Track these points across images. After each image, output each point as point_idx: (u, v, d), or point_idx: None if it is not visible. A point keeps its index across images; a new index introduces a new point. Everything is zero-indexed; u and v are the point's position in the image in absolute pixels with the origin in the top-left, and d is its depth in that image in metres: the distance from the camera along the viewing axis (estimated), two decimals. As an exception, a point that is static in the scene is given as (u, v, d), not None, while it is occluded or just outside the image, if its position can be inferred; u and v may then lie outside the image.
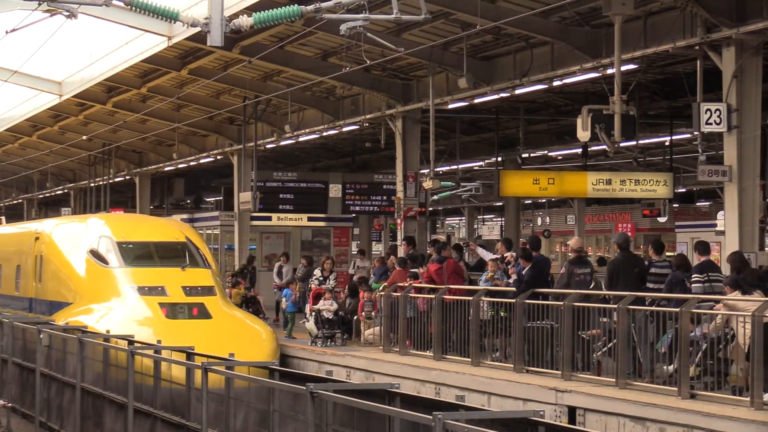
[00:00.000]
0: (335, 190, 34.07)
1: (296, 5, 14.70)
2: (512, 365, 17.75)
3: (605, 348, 16.67)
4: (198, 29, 14.70)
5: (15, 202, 65.92)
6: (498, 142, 32.19)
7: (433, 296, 19.96)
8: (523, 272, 18.27)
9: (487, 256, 21.87)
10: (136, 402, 13.66)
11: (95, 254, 24.26)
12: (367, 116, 29.82)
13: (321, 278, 25.31)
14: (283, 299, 26.71)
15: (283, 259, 30.21)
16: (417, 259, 22.23)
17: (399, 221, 28.54)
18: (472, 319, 18.71)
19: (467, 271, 21.89)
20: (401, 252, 24.10)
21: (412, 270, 21.82)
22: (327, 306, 23.10)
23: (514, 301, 17.91)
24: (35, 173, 56.34)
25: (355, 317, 23.33)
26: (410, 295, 20.78)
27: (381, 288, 22.38)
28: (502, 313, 18.44)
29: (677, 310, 15.03)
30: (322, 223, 37.59)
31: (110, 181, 46.92)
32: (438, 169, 31.77)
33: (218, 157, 39.72)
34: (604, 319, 16.73)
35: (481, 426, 7.52)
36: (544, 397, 15.84)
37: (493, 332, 18.65)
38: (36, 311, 26.24)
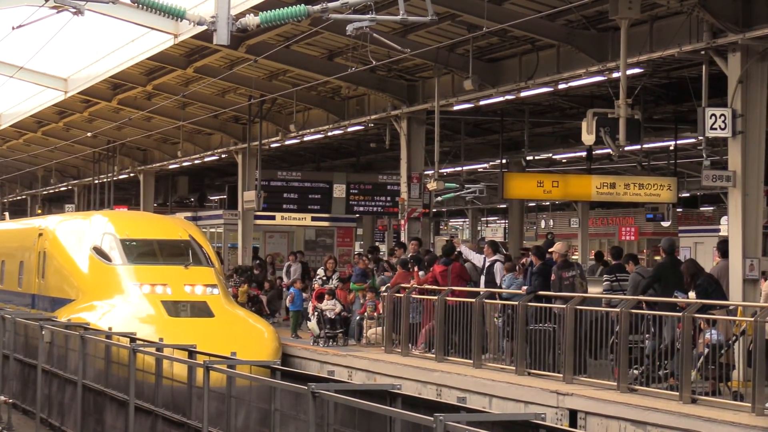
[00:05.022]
0: (339, 190, 34.06)
1: (303, 5, 14.69)
2: (514, 367, 17.75)
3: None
4: (204, 28, 14.69)
5: (19, 198, 65.94)
6: (503, 145, 32.16)
7: (435, 298, 19.97)
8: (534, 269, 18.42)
9: (471, 255, 21.83)
10: (137, 399, 13.67)
11: (98, 251, 24.28)
12: (372, 117, 29.80)
13: (324, 278, 25.32)
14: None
15: (291, 258, 30.28)
16: (421, 260, 22.23)
17: (402, 222, 28.54)
18: (476, 321, 18.73)
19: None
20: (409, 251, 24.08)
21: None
22: (330, 306, 23.13)
23: (516, 303, 17.94)
24: (39, 169, 56.36)
25: (358, 317, 23.34)
26: (413, 295, 20.81)
27: (379, 289, 22.40)
28: (495, 319, 18.54)
29: (680, 314, 15.07)
30: (325, 223, 37.60)
31: (114, 178, 46.93)
32: (442, 171, 31.76)
33: (223, 156, 39.72)
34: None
35: (482, 428, 7.52)
36: (546, 400, 15.85)
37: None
38: (39, 307, 26.26)
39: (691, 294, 17.54)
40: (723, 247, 18.14)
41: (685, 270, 16.58)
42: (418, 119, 28.47)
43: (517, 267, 20.62)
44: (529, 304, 17.79)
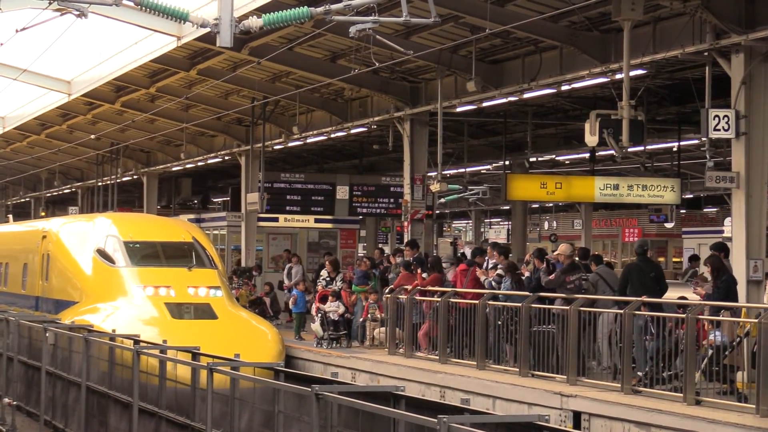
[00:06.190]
0: (342, 192, 34.08)
1: (306, 7, 14.70)
2: (517, 369, 17.74)
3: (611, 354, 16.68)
4: (207, 30, 14.70)
5: (23, 200, 66.01)
6: (506, 146, 32.19)
7: (438, 300, 19.95)
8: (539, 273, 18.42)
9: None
10: (141, 401, 13.66)
11: (102, 253, 24.29)
12: (375, 118, 29.82)
13: (328, 279, 25.33)
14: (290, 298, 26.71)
15: (294, 259, 30.28)
16: (424, 262, 22.23)
17: (406, 224, 28.54)
18: (479, 323, 18.72)
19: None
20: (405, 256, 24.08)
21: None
22: (333, 308, 23.14)
23: (519, 305, 17.93)
24: (43, 172, 56.41)
25: (361, 319, 23.35)
26: (416, 297, 20.81)
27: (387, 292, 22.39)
28: (499, 322, 18.56)
29: (684, 315, 15.06)
30: (328, 225, 37.61)
31: (118, 180, 46.96)
32: (445, 172, 31.77)
33: (226, 158, 39.75)
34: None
35: (486, 430, 7.52)
36: (550, 401, 15.84)
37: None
38: (42, 309, 26.27)
39: (692, 294, 17.55)
40: (722, 248, 18.07)
41: (711, 264, 16.52)
42: (421, 121, 28.48)
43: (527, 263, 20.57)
44: (531, 305, 17.78)
